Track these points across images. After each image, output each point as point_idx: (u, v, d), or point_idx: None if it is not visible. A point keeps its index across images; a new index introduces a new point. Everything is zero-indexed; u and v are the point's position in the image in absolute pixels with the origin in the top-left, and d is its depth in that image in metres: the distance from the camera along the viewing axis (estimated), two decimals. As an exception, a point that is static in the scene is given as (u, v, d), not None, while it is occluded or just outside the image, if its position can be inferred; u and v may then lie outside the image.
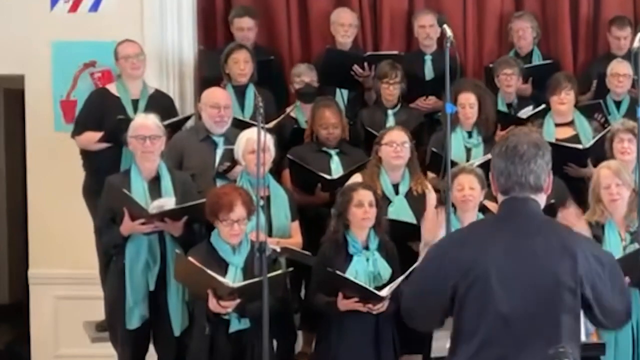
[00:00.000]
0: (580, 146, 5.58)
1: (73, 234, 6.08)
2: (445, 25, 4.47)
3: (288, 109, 6.06)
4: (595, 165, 5.16)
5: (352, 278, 4.62)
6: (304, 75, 6.16)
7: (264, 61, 6.23)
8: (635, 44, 4.29)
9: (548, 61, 6.51)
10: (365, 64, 6.28)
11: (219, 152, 5.37)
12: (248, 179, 5.02)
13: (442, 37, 5.62)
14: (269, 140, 4.94)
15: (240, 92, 5.95)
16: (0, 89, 8.02)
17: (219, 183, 5.24)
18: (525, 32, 6.52)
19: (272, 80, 6.25)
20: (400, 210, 5.18)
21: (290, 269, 4.73)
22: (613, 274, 3.02)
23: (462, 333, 3.01)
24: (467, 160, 5.57)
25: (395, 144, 5.21)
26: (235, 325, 4.57)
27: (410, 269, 4.63)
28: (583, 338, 3.97)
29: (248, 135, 4.97)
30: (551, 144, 5.36)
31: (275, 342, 4.91)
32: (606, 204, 4.65)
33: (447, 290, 3.00)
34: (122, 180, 4.92)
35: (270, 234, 4.92)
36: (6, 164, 8.30)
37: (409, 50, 6.73)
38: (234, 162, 5.21)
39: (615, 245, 4.56)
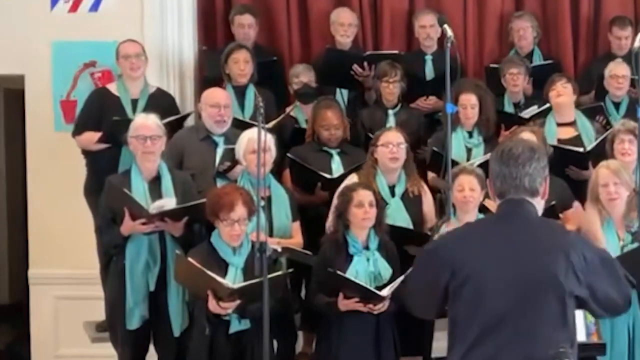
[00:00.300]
0: (581, 149, 5.57)
1: (73, 234, 6.08)
2: (445, 25, 4.47)
3: (288, 109, 6.06)
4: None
5: (352, 278, 4.62)
6: (302, 75, 6.16)
7: (267, 62, 6.23)
8: (636, 44, 4.30)
9: (549, 61, 6.51)
10: (365, 64, 6.28)
11: (219, 152, 5.37)
12: (249, 179, 5.02)
13: (442, 37, 5.63)
14: (270, 141, 4.93)
15: (240, 93, 5.94)
16: (0, 89, 8.02)
17: (219, 183, 5.24)
18: (525, 31, 6.52)
19: (273, 80, 6.25)
20: (396, 212, 5.16)
21: (291, 270, 4.73)
22: (608, 268, 3.05)
23: (456, 332, 3.05)
24: (468, 160, 5.57)
25: (392, 145, 5.20)
26: (236, 326, 4.56)
27: (411, 268, 4.64)
28: (583, 338, 3.99)
29: (249, 136, 4.97)
30: (553, 146, 5.41)
31: (275, 343, 4.91)
32: (604, 203, 4.65)
33: (440, 290, 3.06)
34: (122, 180, 4.91)
35: (271, 234, 4.92)
36: (6, 164, 8.29)
37: (410, 50, 6.73)
38: (234, 162, 5.21)
39: (613, 245, 4.55)
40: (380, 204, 4.85)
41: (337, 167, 5.58)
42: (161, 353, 5.03)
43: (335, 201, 4.95)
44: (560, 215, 5.09)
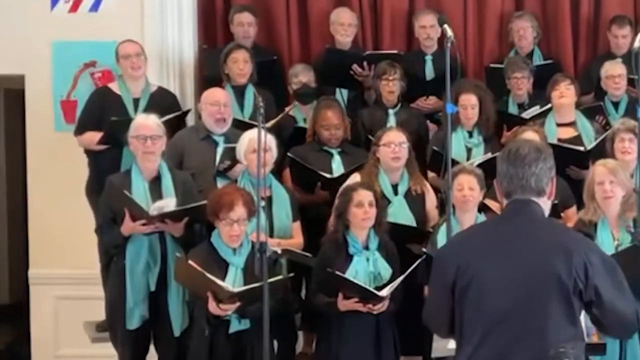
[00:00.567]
0: (582, 148, 5.57)
1: (73, 234, 6.08)
2: (445, 26, 4.47)
3: (287, 109, 6.06)
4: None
5: (351, 278, 4.62)
6: (301, 75, 6.15)
7: (266, 61, 6.23)
8: (636, 45, 4.29)
9: (549, 61, 6.51)
10: (365, 64, 6.28)
11: (220, 152, 5.37)
12: (249, 179, 5.02)
13: (442, 37, 5.62)
14: (271, 141, 4.94)
15: (239, 93, 5.94)
16: (0, 89, 8.01)
17: (220, 182, 5.24)
18: (525, 32, 6.52)
19: (273, 80, 6.25)
20: (399, 211, 5.17)
21: (291, 274, 4.74)
22: (613, 274, 3.03)
23: (462, 333, 3.07)
24: (468, 160, 5.57)
25: (393, 145, 5.21)
26: (235, 326, 4.56)
27: (410, 268, 4.65)
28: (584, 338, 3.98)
29: (250, 135, 4.97)
30: (552, 145, 5.42)
31: (275, 343, 4.91)
32: (599, 201, 4.63)
33: (449, 294, 3.08)
34: (122, 180, 4.91)
35: (271, 235, 4.92)
36: (6, 164, 8.29)
37: (410, 50, 6.73)
38: (234, 161, 5.21)
39: (608, 244, 4.53)
40: (380, 204, 4.85)
41: (337, 166, 5.58)
42: (161, 353, 5.03)
43: (336, 201, 4.95)
44: (562, 214, 5.10)
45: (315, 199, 5.49)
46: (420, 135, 5.97)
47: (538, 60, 6.52)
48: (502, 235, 3.08)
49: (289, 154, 5.53)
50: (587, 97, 6.25)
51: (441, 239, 4.71)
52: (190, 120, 6.01)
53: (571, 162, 5.54)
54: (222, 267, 4.54)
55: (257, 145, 4.24)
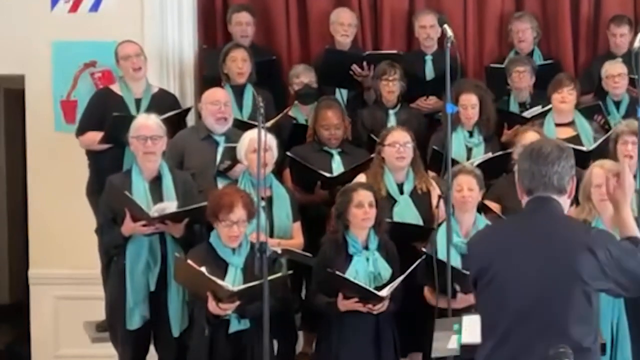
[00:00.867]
0: (584, 148, 5.57)
1: (73, 234, 6.08)
2: (445, 26, 4.47)
3: (287, 109, 6.06)
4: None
5: (351, 278, 4.62)
6: (302, 76, 6.15)
7: (265, 61, 6.23)
8: (636, 44, 4.28)
9: (549, 61, 6.51)
10: (365, 64, 6.28)
11: (220, 152, 5.37)
12: (250, 179, 5.02)
13: (442, 37, 5.63)
14: (272, 141, 4.94)
15: (238, 92, 5.94)
16: (0, 89, 8.01)
17: (220, 182, 5.24)
18: (525, 33, 6.51)
19: (271, 80, 6.25)
20: (405, 210, 5.18)
21: (290, 271, 4.74)
22: (633, 255, 3.09)
23: (485, 327, 3.16)
24: (468, 160, 5.57)
25: (398, 145, 5.21)
26: (235, 326, 4.56)
27: (410, 268, 4.65)
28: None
29: (251, 136, 4.96)
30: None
31: (275, 343, 4.91)
32: (595, 203, 4.63)
33: (473, 287, 3.21)
34: (123, 181, 4.91)
35: (271, 235, 4.92)
36: (6, 164, 8.29)
37: (410, 50, 6.73)
38: (235, 161, 5.21)
39: None
40: (380, 204, 4.85)
41: (337, 167, 5.58)
42: (161, 353, 5.03)
43: (336, 201, 4.95)
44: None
45: (315, 198, 5.49)
46: (420, 135, 5.96)
47: (538, 60, 6.52)
48: (523, 233, 3.15)
49: (288, 153, 5.53)
50: (587, 97, 6.25)
51: (441, 239, 4.71)
52: (190, 120, 6.01)
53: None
54: (221, 267, 4.54)
55: (257, 145, 4.24)
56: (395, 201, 5.19)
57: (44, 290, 6.32)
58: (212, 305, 4.40)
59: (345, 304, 4.65)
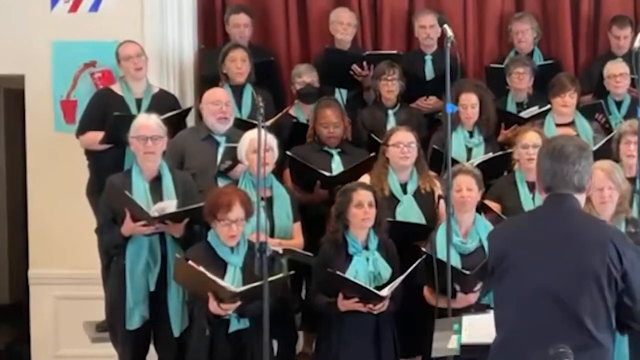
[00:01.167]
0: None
1: (73, 234, 6.08)
2: (445, 26, 4.47)
3: (287, 108, 6.06)
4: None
5: (351, 278, 4.62)
6: (304, 75, 6.15)
7: (264, 62, 6.23)
8: (636, 44, 4.28)
9: (549, 61, 6.51)
10: (365, 63, 6.28)
11: (221, 152, 5.36)
12: (250, 179, 5.02)
13: (442, 37, 5.63)
14: (273, 141, 4.94)
15: (237, 92, 5.94)
16: (0, 89, 8.01)
17: (221, 182, 5.24)
18: (524, 34, 6.50)
19: (270, 81, 6.25)
20: (408, 209, 5.18)
21: (292, 272, 4.73)
22: None
23: (498, 316, 3.23)
24: (468, 160, 5.57)
25: (402, 145, 5.21)
26: (235, 325, 4.56)
27: (410, 268, 4.65)
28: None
29: (252, 136, 4.95)
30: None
31: (275, 342, 4.91)
32: (595, 205, 4.62)
33: (491, 275, 3.28)
34: (123, 180, 4.91)
35: (272, 235, 4.92)
36: (6, 164, 8.29)
37: (410, 50, 6.73)
38: (235, 161, 5.20)
39: None
40: (380, 204, 4.85)
41: (337, 167, 5.58)
42: (161, 353, 5.03)
43: (336, 201, 4.95)
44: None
45: (315, 198, 5.49)
46: (420, 135, 5.96)
47: (538, 60, 6.52)
48: (541, 227, 3.20)
49: (288, 152, 5.53)
50: (587, 97, 6.25)
51: (440, 239, 4.71)
52: (190, 121, 6.01)
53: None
54: (220, 267, 4.54)
55: (257, 145, 4.24)
56: (399, 201, 5.19)
57: (44, 290, 6.32)
58: (213, 306, 4.40)
59: (345, 304, 4.65)
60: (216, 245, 4.60)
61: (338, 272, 4.60)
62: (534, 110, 5.99)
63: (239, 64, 5.94)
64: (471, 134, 5.79)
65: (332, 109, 5.68)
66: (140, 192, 4.87)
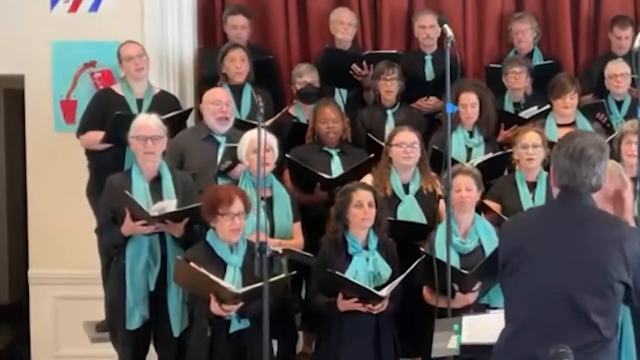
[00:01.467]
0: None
1: (73, 234, 6.07)
2: (445, 26, 4.47)
3: (287, 107, 6.06)
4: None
5: (351, 278, 4.62)
6: (305, 75, 6.15)
7: (263, 61, 6.23)
8: (636, 45, 4.28)
9: (549, 61, 6.51)
10: (364, 63, 6.28)
11: (221, 152, 5.37)
12: (250, 179, 5.02)
13: (442, 37, 5.63)
14: (273, 141, 4.95)
15: (236, 92, 5.94)
16: (0, 89, 8.01)
17: (221, 182, 5.24)
18: (524, 34, 6.51)
19: (269, 80, 6.25)
20: (409, 209, 5.19)
21: (293, 272, 4.74)
22: None
23: (508, 311, 3.23)
24: (468, 160, 5.57)
25: (405, 145, 5.22)
26: (235, 325, 4.56)
27: (410, 268, 4.65)
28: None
29: (252, 136, 4.95)
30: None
31: (275, 343, 4.91)
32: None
33: (502, 269, 3.27)
34: (123, 180, 4.91)
35: (272, 235, 4.92)
36: (6, 164, 8.29)
37: (409, 50, 6.73)
38: (236, 161, 5.20)
39: None
40: (380, 204, 4.85)
41: (336, 167, 5.58)
42: (161, 353, 5.03)
43: (336, 201, 4.95)
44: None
45: (315, 199, 5.49)
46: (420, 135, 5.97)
47: (538, 60, 6.52)
48: (555, 222, 3.21)
49: (287, 155, 5.52)
50: (587, 97, 6.25)
51: (440, 239, 4.71)
52: (190, 121, 6.01)
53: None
54: (220, 267, 4.54)
55: (257, 145, 4.24)
56: (400, 201, 5.19)
57: (44, 290, 6.32)
58: (214, 307, 4.40)
59: (345, 304, 4.65)
60: (215, 245, 4.60)
61: (337, 272, 4.60)
62: (534, 110, 5.99)
63: (238, 64, 5.94)
64: (471, 134, 5.79)
65: (331, 107, 5.71)
66: (140, 192, 4.87)
